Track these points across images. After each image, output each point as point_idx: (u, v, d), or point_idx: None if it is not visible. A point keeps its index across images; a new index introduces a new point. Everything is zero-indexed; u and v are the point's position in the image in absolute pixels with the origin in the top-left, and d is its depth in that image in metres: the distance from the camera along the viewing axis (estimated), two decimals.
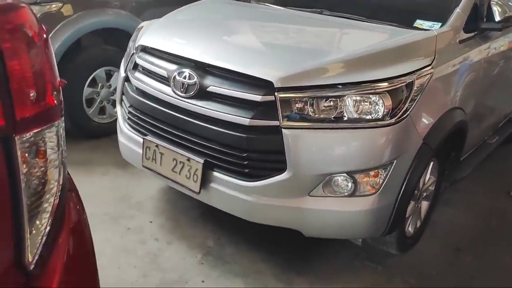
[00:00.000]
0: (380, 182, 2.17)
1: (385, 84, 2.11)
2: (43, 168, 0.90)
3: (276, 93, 2.08)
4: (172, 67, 2.38)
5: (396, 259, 2.68)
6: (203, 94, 2.24)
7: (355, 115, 2.09)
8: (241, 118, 2.12)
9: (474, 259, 2.75)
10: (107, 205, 2.95)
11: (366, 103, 2.09)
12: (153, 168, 2.47)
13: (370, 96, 2.10)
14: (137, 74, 2.59)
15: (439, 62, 2.35)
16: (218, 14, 3.07)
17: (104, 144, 3.71)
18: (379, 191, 2.17)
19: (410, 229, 2.65)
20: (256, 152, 2.17)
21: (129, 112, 2.63)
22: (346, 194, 2.16)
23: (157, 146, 2.42)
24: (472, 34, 2.71)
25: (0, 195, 0.82)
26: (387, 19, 2.67)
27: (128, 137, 2.64)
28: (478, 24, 2.74)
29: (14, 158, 0.81)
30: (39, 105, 0.86)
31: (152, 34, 2.66)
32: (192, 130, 2.30)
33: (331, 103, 2.09)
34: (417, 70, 2.22)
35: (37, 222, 0.90)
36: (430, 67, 2.29)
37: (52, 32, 3.42)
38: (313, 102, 2.09)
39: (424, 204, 2.75)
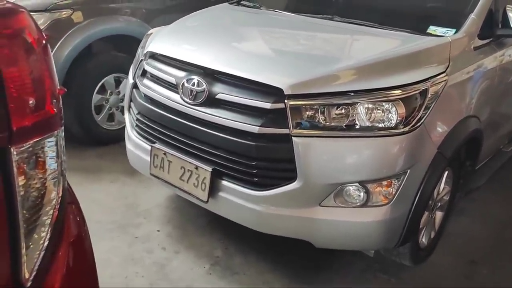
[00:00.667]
0: (393, 192, 2.11)
1: (398, 91, 2.06)
2: (42, 180, 0.86)
3: (286, 101, 2.04)
4: (181, 74, 2.35)
5: (410, 271, 2.61)
6: (211, 101, 2.20)
7: (368, 123, 2.04)
8: (250, 126, 2.08)
9: (490, 272, 2.67)
10: (115, 213, 2.93)
11: (378, 111, 2.05)
12: (160, 176, 2.44)
13: (383, 103, 2.05)
14: (146, 81, 2.57)
15: (453, 69, 2.30)
16: (227, 21, 3.04)
17: (113, 151, 3.70)
18: (392, 201, 2.11)
19: (424, 240, 2.58)
20: (266, 161, 2.13)
21: (137, 119, 2.60)
22: (358, 204, 2.10)
23: (165, 153, 2.38)
24: (487, 40, 2.65)
25: None
26: (399, 25, 2.62)
27: (136, 145, 2.61)
28: (494, 30, 2.68)
29: (10, 171, 0.77)
30: (39, 113, 0.83)
31: (161, 40, 2.64)
32: (200, 138, 2.26)
33: (343, 111, 2.05)
34: (431, 77, 2.17)
35: (35, 235, 0.86)
36: (444, 74, 2.23)
37: (63, 39, 3.43)
38: (324, 110, 2.05)
39: (439, 215, 2.69)
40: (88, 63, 3.61)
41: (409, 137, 2.06)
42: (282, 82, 2.06)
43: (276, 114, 2.07)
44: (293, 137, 2.03)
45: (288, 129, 2.04)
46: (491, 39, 2.68)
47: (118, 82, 3.77)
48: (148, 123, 2.52)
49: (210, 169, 2.21)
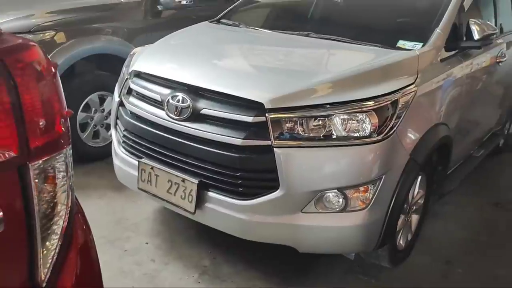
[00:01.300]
0: (370, 197, 2.24)
1: (371, 102, 2.20)
2: (52, 193, 0.96)
3: (267, 114, 2.16)
4: (166, 91, 2.45)
5: (389, 272, 2.73)
6: (196, 116, 2.31)
7: (344, 133, 2.17)
8: (234, 138, 2.19)
9: (465, 271, 2.81)
10: (104, 228, 2.98)
11: (353, 121, 2.18)
12: (148, 190, 2.52)
13: (357, 114, 2.18)
14: (131, 99, 2.65)
15: (422, 80, 2.45)
16: (209, 39, 3.16)
17: (99, 168, 3.75)
18: (369, 205, 2.24)
19: (401, 242, 2.71)
20: (249, 171, 2.23)
21: (124, 136, 2.68)
22: (337, 209, 2.22)
23: (152, 168, 2.47)
24: (453, 52, 2.82)
25: (17, 219, 0.88)
26: (371, 40, 2.77)
27: (123, 160, 2.69)
28: (458, 43, 2.85)
29: (28, 185, 0.87)
30: (49, 134, 0.93)
31: (145, 59, 2.74)
32: (186, 151, 2.36)
33: (320, 122, 2.18)
34: (401, 89, 2.31)
35: (48, 243, 0.96)
36: (413, 85, 2.38)
37: None
38: (302, 122, 2.17)
39: (414, 218, 2.82)
40: (72, 82, 3.66)
41: (383, 145, 2.20)
42: (262, 96, 2.19)
43: (258, 127, 2.18)
44: (274, 148, 2.15)
45: (269, 141, 2.16)
46: (456, 50, 2.85)
47: (102, 100, 3.84)
48: (135, 139, 2.60)
49: (196, 181, 2.31)
